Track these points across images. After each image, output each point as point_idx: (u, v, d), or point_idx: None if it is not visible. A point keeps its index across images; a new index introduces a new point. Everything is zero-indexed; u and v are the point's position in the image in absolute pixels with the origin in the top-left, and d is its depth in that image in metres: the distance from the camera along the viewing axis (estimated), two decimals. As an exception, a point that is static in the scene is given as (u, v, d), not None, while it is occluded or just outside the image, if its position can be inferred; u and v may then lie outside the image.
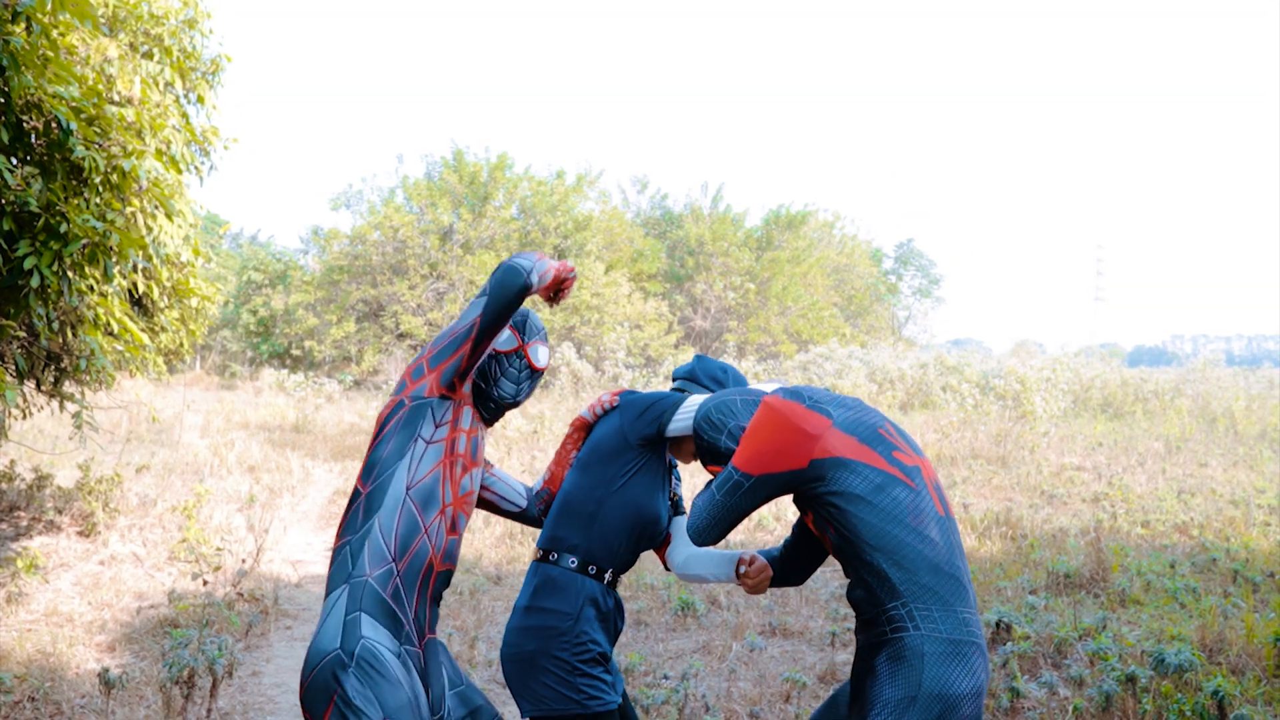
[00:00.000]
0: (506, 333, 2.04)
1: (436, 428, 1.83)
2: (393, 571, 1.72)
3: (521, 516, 2.26)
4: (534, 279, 1.94)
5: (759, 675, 4.10)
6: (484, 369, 2.02)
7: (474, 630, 4.73)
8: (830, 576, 5.91)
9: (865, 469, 1.73)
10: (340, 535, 1.78)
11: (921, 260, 38.32)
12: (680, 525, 2.31)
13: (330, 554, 1.81)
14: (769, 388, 1.96)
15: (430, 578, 1.80)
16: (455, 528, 1.88)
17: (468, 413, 1.96)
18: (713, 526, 1.88)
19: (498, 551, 6.60)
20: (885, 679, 1.67)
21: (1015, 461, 10.76)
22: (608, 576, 2.11)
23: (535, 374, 2.12)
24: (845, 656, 4.39)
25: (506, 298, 1.86)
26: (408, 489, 1.76)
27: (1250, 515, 7.62)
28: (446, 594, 5.32)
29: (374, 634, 1.67)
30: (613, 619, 2.14)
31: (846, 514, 1.73)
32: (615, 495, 2.11)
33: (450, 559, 1.88)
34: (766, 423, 1.81)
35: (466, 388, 1.94)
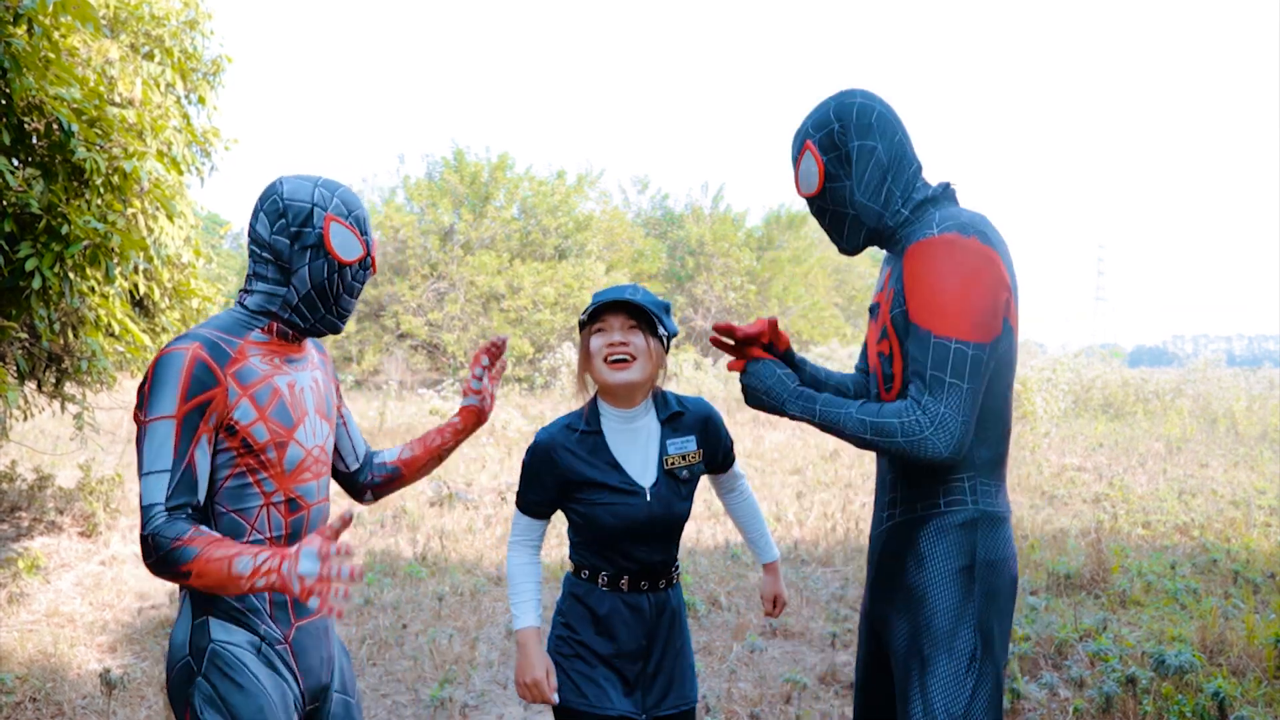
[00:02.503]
0: (353, 238, 1.64)
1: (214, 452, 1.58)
2: None
3: (348, 480, 1.93)
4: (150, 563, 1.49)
5: (759, 676, 4.10)
6: (320, 287, 1.63)
7: (474, 631, 4.73)
8: (831, 578, 5.92)
9: (1013, 339, 1.57)
10: None
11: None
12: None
13: None
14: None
15: None
16: (297, 506, 1.65)
17: (259, 393, 1.60)
18: (970, 428, 1.50)
19: (498, 552, 6.60)
20: (936, 554, 1.55)
21: (1015, 462, 10.75)
22: (601, 579, 1.98)
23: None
24: (846, 657, 4.39)
25: (144, 548, 1.47)
26: (212, 498, 1.57)
27: (1251, 516, 7.61)
28: (447, 594, 5.32)
29: (225, 635, 1.55)
30: (614, 622, 1.97)
31: (995, 386, 1.59)
32: None
33: (310, 530, 1.67)
34: (977, 274, 1.49)
35: (234, 409, 1.57)
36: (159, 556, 1.44)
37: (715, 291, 27.03)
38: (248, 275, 1.67)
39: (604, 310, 1.95)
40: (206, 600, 1.57)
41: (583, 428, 2.00)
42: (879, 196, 1.65)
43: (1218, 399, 17.08)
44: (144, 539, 1.45)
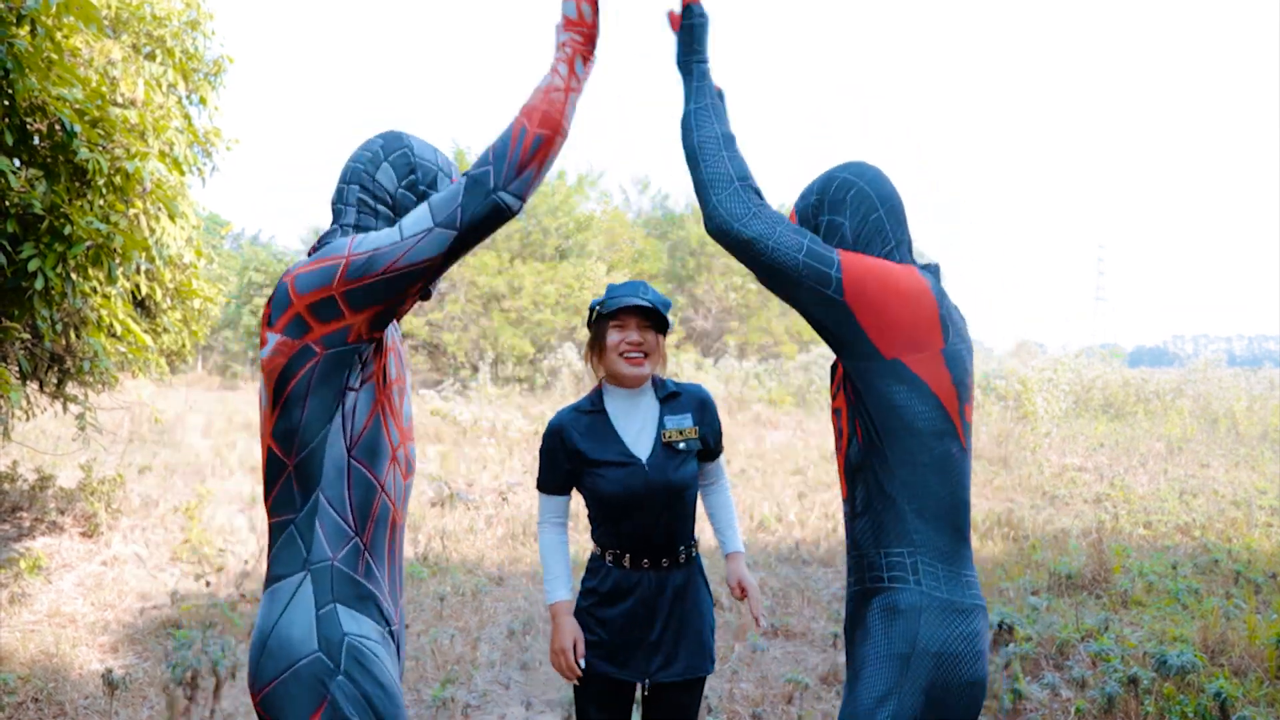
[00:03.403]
0: (448, 182, 1.60)
1: (364, 367, 1.45)
2: (359, 547, 1.44)
3: None
4: (516, 195, 1.42)
5: (761, 676, 4.10)
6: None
7: (476, 631, 4.74)
8: (832, 578, 5.92)
9: (938, 410, 1.51)
10: (274, 510, 1.45)
11: (922, 260, 38.24)
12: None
13: (268, 527, 1.46)
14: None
15: (397, 535, 1.52)
16: (410, 468, 1.57)
17: (392, 325, 1.55)
18: (753, 237, 1.51)
19: (499, 553, 6.60)
20: (878, 633, 1.53)
21: (1016, 462, 10.75)
22: (607, 557, 2.19)
23: None
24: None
25: (483, 229, 1.42)
26: (349, 450, 1.43)
27: (1252, 516, 7.61)
28: (449, 594, 5.32)
29: (356, 627, 1.41)
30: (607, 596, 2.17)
31: (895, 438, 1.53)
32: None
33: (407, 503, 1.60)
34: (902, 290, 1.52)
35: None
36: (496, 163, 1.40)
37: (716, 291, 27.04)
38: (344, 225, 1.55)
39: (622, 310, 2.15)
40: (333, 584, 1.41)
41: (589, 409, 2.21)
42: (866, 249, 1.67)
43: (1218, 399, 17.08)
44: (472, 190, 1.40)
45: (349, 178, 1.57)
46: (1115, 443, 12.87)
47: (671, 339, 24.46)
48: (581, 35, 1.52)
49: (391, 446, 1.50)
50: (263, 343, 1.45)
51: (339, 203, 1.58)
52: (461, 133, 57.47)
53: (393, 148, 1.58)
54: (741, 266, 24.85)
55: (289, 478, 1.43)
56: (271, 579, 1.44)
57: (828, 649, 4.52)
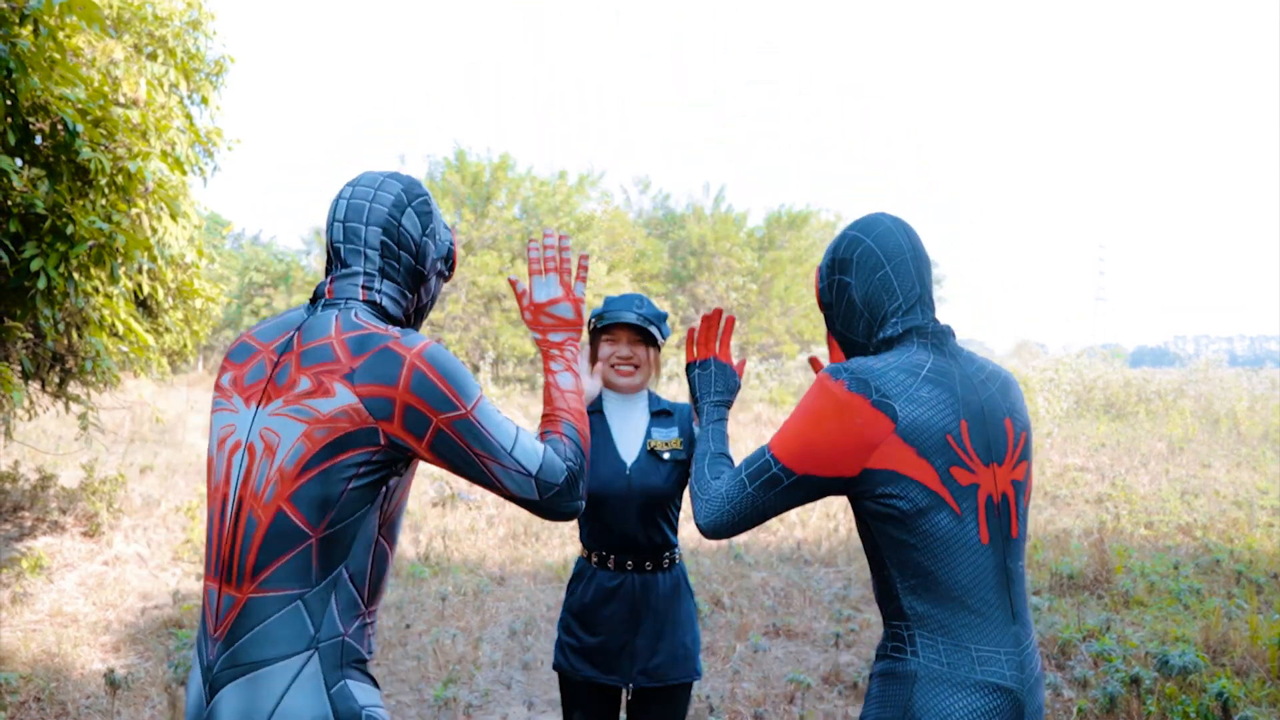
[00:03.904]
0: (448, 232, 1.59)
1: (408, 464, 1.39)
2: (365, 620, 1.35)
3: None
4: (580, 507, 1.46)
5: (763, 676, 4.10)
6: (432, 302, 1.59)
7: (478, 631, 4.74)
8: (834, 578, 5.92)
9: (913, 487, 1.50)
10: (273, 583, 1.28)
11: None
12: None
13: (238, 602, 1.29)
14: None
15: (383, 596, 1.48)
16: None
17: None
18: (735, 524, 1.60)
19: (501, 553, 6.61)
20: (874, 695, 1.55)
21: (1018, 462, 10.75)
22: (593, 559, 2.25)
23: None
24: (849, 657, 4.39)
25: (551, 515, 1.43)
26: (380, 526, 1.35)
27: (1254, 516, 7.61)
28: (450, 594, 5.32)
29: (367, 698, 1.32)
30: (588, 595, 2.23)
31: (880, 528, 1.55)
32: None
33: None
34: (822, 415, 1.53)
35: None
36: (579, 474, 1.44)
37: (717, 291, 27.04)
38: (366, 270, 1.45)
39: (615, 325, 2.26)
40: (343, 660, 1.31)
41: (591, 408, 2.30)
42: (856, 329, 1.70)
43: (1220, 399, 17.08)
44: (568, 483, 1.41)
45: (368, 219, 1.45)
46: (1117, 443, 12.87)
47: (673, 339, 24.49)
48: (577, 334, 1.64)
49: (404, 513, 1.46)
50: (324, 391, 1.29)
51: (355, 243, 1.45)
52: (462, 133, 57.37)
53: (414, 193, 1.50)
54: (742, 266, 24.91)
55: (308, 549, 1.29)
56: (250, 664, 1.26)
57: (829, 649, 4.52)
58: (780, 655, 4.44)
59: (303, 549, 1.28)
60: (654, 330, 2.25)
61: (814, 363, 2.09)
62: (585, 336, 2.67)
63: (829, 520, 7.63)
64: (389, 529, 1.38)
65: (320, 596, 1.29)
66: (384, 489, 1.33)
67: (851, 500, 1.61)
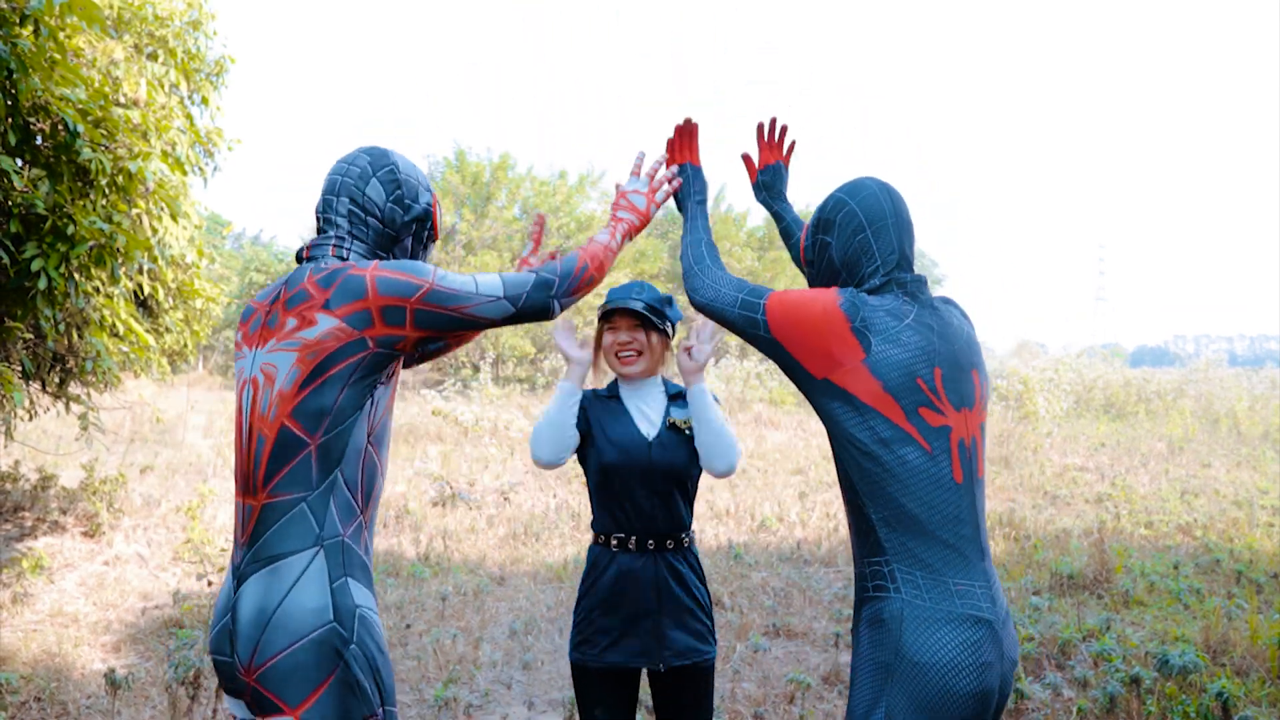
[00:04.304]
0: (427, 196, 1.77)
1: (392, 365, 1.60)
2: (362, 523, 1.55)
3: None
4: (561, 303, 1.69)
5: (763, 676, 4.10)
6: (413, 257, 1.78)
7: (478, 631, 4.74)
8: (834, 578, 5.92)
9: (876, 418, 1.56)
10: (280, 488, 1.50)
11: (923, 260, 38.31)
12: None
13: (255, 509, 1.51)
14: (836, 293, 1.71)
15: (378, 505, 1.65)
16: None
17: None
18: (714, 314, 1.77)
19: (501, 553, 6.61)
20: (864, 642, 1.56)
21: (1018, 462, 10.76)
22: (612, 542, 2.26)
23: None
24: (849, 657, 4.39)
25: (523, 319, 1.66)
26: (368, 435, 1.55)
27: (1254, 516, 7.61)
28: (450, 594, 5.33)
29: (364, 599, 1.50)
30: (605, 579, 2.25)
31: (843, 450, 1.60)
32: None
33: None
34: (813, 309, 1.63)
35: None
36: (560, 280, 1.67)
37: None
38: (337, 235, 1.67)
39: (614, 312, 2.31)
40: (344, 559, 1.50)
41: (606, 395, 2.37)
42: (850, 275, 1.75)
43: (1220, 399, 17.08)
44: (537, 286, 1.65)
45: (337, 190, 1.69)
46: (1117, 443, 12.87)
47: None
48: (639, 221, 1.95)
49: (390, 432, 1.65)
50: (305, 322, 1.52)
51: (327, 213, 1.69)
52: (462, 133, 57.36)
53: (380, 164, 1.71)
54: (743, 266, 24.80)
55: (308, 455, 1.50)
56: (269, 558, 1.47)
57: (829, 649, 4.52)
58: (780, 655, 4.45)
59: (303, 456, 1.50)
60: (653, 316, 2.28)
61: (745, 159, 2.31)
62: (585, 335, 2.68)
63: (829, 520, 7.63)
64: (376, 440, 1.58)
65: (321, 499, 1.50)
66: (370, 399, 1.55)
67: (828, 431, 1.67)
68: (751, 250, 28.23)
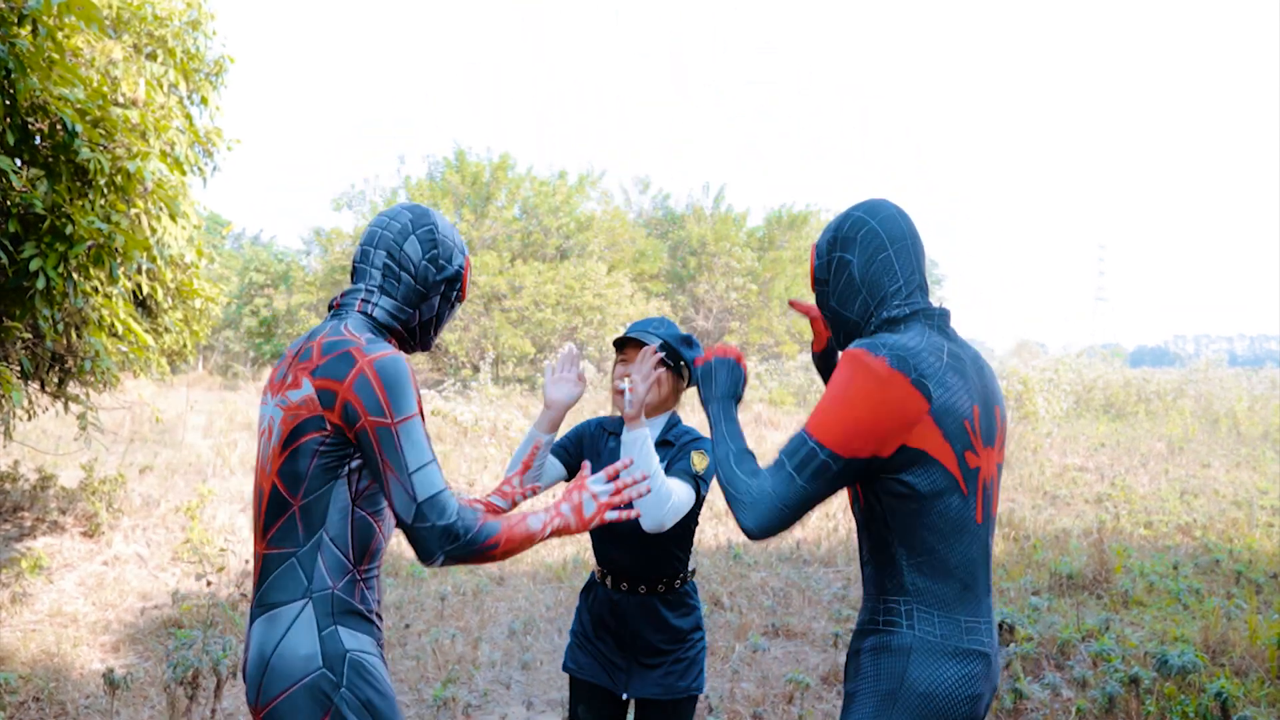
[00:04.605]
0: (460, 259, 1.79)
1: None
2: (355, 578, 1.58)
3: None
4: (442, 557, 1.54)
5: (762, 676, 4.10)
6: (439, 316, 1.80)
7: (477, 631, 4.74)
8: (833, 578, 5.92)
9: (936, 469, 1.55)
10: (273, 542, 1.56)
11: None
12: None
13: (259, 556, 1.59)
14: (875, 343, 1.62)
15: (381, 557, 1.68)
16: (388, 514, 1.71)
17: None
18: (787, 520, 1.56)
19: (500, 552, 6.61)
20: (867, 669, 1.59)
21: (1018, 462, 10.75)
22: (597, 575, 2.30)
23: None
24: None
25: (410, 536, 1.53)
26: (353, 500, 1.57)
27: (1253, 516, 7.61)
28: (450, 594, 5.33)
29: (356, 643, 1.55)
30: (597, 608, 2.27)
31: (895, 506, 1.57)
32: None
33: (390, 533, 1.73)
34: (864, 392, 1.52)
35: None
36: (465, 541, 1.50)
37: (717, 291, 27.03)
38: (368, 286, 1.70)
39: (626, 342, 2.25)
40: (333, 609, 1.55)
41: (613, 429, 2.31)
42: (852, 306, 1.73)
43: (1219, 399, 17.08)
44: (445, 530, 1.49)
45: (376, 243, 1.73)
46: (1116, 443, 12.87)
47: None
48: (575, 528, 1.69)
49: (386, 497, 1.58)
50: (295, 383, 1.55)
51: (363, 263, 1.73)
52: (462, 133, 57.37)
53: (420, 224, 1.75)
54: (742, 266, 24.86)
55: (293, 515, 1.55)
56: (268, 605, 1.55)
57: (828, 649, 4.52)
58: (779, 655, 4.44)
59: (289, 515, 1.55)
60: (663, 350, 2.18)
61: (794, 304, 2.13)
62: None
63: (828, 520, 7.63)
64: (369, 504, 1.59)
65: (308, 556, 1.54)
66: (346, 468, 1.55)
67: (871, 479, 1.59)
68: (752, 250, 28.22)
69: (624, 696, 2.22)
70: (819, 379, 19.79)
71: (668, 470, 2.17)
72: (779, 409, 17.00)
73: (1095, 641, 4.23)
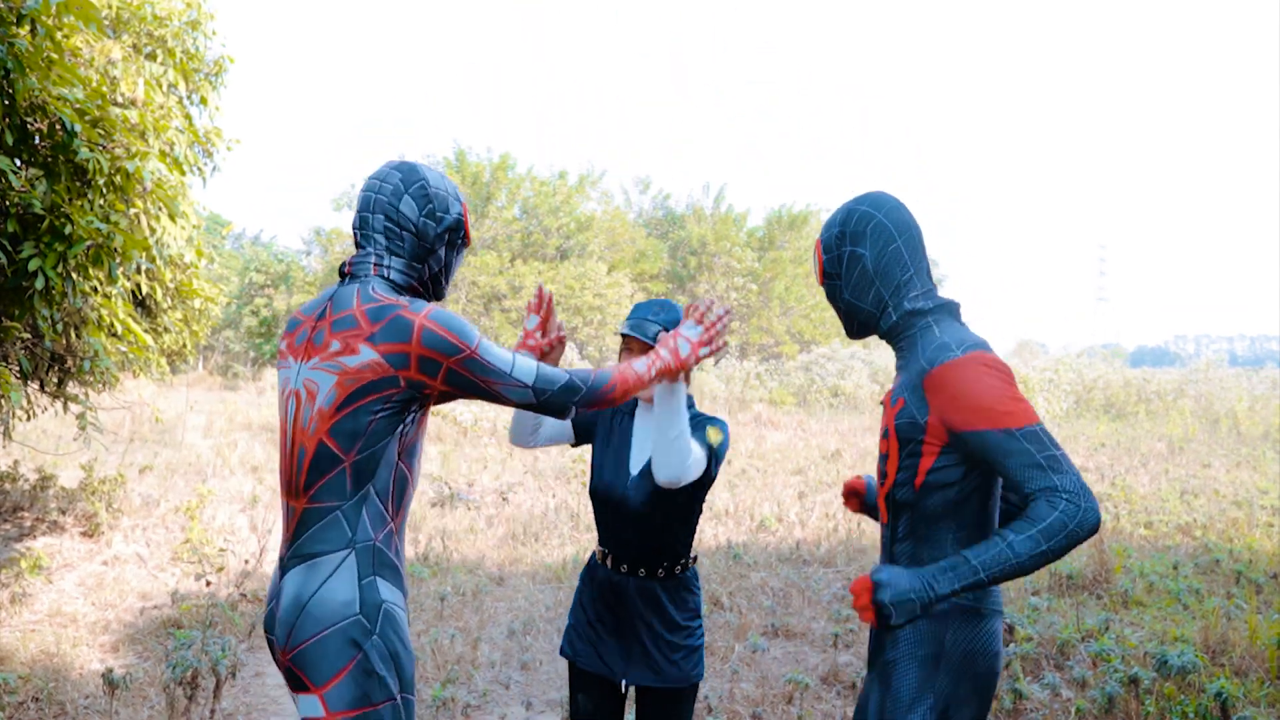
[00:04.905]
0: (457, 205, 1.87)
1: (424, 401, 1.71)
2: (392, 530, 1.69)
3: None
4: (574, 411, 1.76)
5: (761, 676, 4.10)
6: (448, 265, 1.89)
7: (476, 631, 4.73)
8: (833, 579, 5.91)
9: None
10: (318, 496, 1.64)
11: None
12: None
13: (297, 510, 1.66)
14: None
15: (408, 506, 1.79)
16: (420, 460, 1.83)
17: None
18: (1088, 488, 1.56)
19: (500, 553, 6.60)
20: (906, 636, 1.66)
21: (1018, 462, 10.74)
22: (598, 555, 2.30)
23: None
24: (848, 658, 4.39)
25: (548, 412, 1.73)
26: (399, 454, 1.69)
27: (1253, 516, 7.61)
28: (449, 594, 5.32)
29: (391, 595, 1.65)
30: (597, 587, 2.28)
31: (978, 481, 1.65)
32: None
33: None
34: (1008, 379, 1.61)
35: None
36: (586, 391, 1.73)
37: (717, 291, 27.03)
38: (376, 251, 1.77)
39: (631, 336, 2.28)
40: (375, 561, 1.64)
41: (623, 408, 2.35)
42: (866, 298, 1.80)
43: (1220, 399, 17.07)
44: (564, 389, 1.71)
45: (372, 208, 1.79)
46: (1117, 443, 12.87)
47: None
48: (675, 366, 1.89)
49: (421, 448, 1.77)
50: (348, 349, 1.64)
51: (364, 229, 1.79)
52: (462, 133, 57.35)
53: (411, 180, 1.80)
54: (743, 266, 24.81)
55: (342, 470, 1.64)
56: (308, 555, 1.64)
57: (828, 649, 4.52)
58: (779, 655, 4.44)
59: (338, 471, 1.64)
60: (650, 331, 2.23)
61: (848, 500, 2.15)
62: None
63: (828, 520, 7.63)
64: (408, 456, 1.71)
65: (354, 508, 1.64)
66: (403, 423, 1.67)
67: (984, 472, 1.68)
68: (752, 250, 28.22)
69: (623, 684, 2.20)
70: (818, 380, 19.74)
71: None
72: (779, 409, 16.99)
73: (1095, 642, 4.23)
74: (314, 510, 1.65)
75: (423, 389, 1.65)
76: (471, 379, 1.66)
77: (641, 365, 1.82)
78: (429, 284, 1.86)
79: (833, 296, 1.87)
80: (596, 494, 2.25)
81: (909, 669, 1.65)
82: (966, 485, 1.65)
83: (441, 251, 1.85)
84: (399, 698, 1.62)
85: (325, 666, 1.58)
